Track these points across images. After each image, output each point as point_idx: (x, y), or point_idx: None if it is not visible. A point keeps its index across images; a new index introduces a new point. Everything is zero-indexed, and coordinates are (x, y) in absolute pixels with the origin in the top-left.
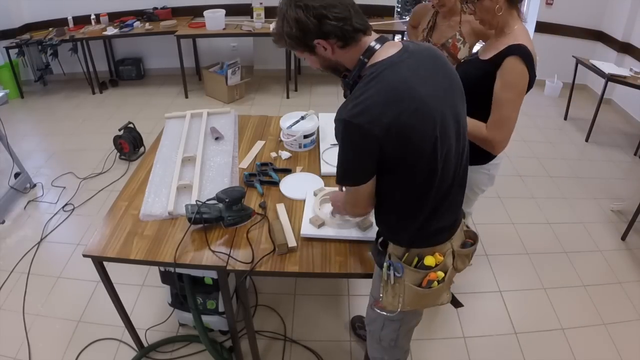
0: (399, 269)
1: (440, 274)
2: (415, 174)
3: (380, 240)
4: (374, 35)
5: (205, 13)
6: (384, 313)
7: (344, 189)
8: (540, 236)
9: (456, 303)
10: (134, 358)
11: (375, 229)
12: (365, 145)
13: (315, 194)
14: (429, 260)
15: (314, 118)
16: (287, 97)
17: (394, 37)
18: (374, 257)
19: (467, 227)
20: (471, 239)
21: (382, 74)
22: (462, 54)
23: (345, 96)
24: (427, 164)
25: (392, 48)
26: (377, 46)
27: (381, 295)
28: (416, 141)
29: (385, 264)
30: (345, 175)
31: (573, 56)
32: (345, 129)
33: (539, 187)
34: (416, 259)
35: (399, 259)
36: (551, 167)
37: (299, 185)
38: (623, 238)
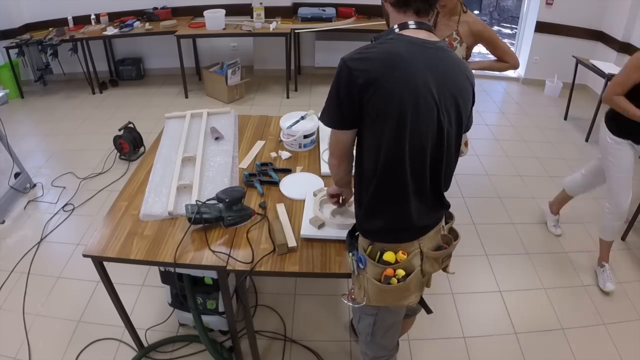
0: (362, 261)
1: (400, 272)
2: (373, 147)
3: (355, 232)
4: (421, 19)
5: (205, 13)
6: (350, 304)
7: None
8: (540, 236)
9: (427, 309)
10: (134, 358)
11: None
12: (347, 89)
13: (315, 195)
14: (388, 256)
15: (314, 118)
16: (287, 97)
17: None
18: (347, 244)
19: (450, 231)
20: (446, 244)
21: (397, 43)
22: (457, 54)
23: None
24: (393, 144)
25: (423, 33)
26: (412, 25)
27: (352, 286)
28: (388, 110)
29: (350, 255)
30: (325, 112)
31: (573, 56)
32: (340, 68)
33: (539, 187)
34: (378, 254)
35: (364, 250)
36: (551, 167)
37: (299, 185)
38: (623, 238)
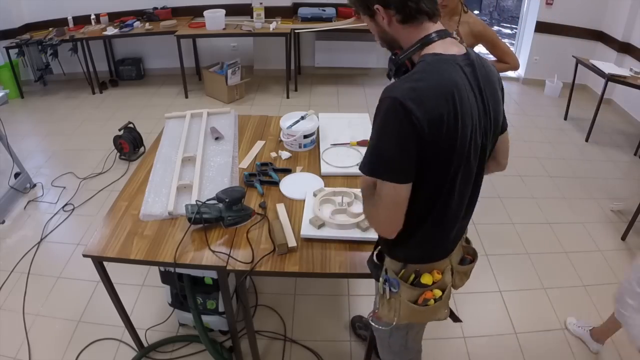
0: (395, 285)
1: (438, 292)
2: (431, 184)
3: (376, 252)
4: (437, 26)
5: (205, 13)
6: (380, 327)
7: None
8: (540, 236)
9: (455, 318)
10: (134, 358)
11: None
12: (409, 135)
13: (315, 195)
14: (426, 279)
15: (314, 118)
16: (287, 97)
17: None
18: (370, 269)
19: (467, 242)
20: (470, 256)
21: (442, 67)
22: None
23: (388, 75)
24: (445, 176)
25: (454, 47)
26: (436, 38)
27: (377, 307)
28: (453, 149)
29: (381, 279)
30: (381, 165)
31: (573, 56)
32: (392, 108)
33: (539, 187)
34: (413, 276)
35: (395, 274)
36: (551, 167)
37: (299, 185)
38: (623, 238)
